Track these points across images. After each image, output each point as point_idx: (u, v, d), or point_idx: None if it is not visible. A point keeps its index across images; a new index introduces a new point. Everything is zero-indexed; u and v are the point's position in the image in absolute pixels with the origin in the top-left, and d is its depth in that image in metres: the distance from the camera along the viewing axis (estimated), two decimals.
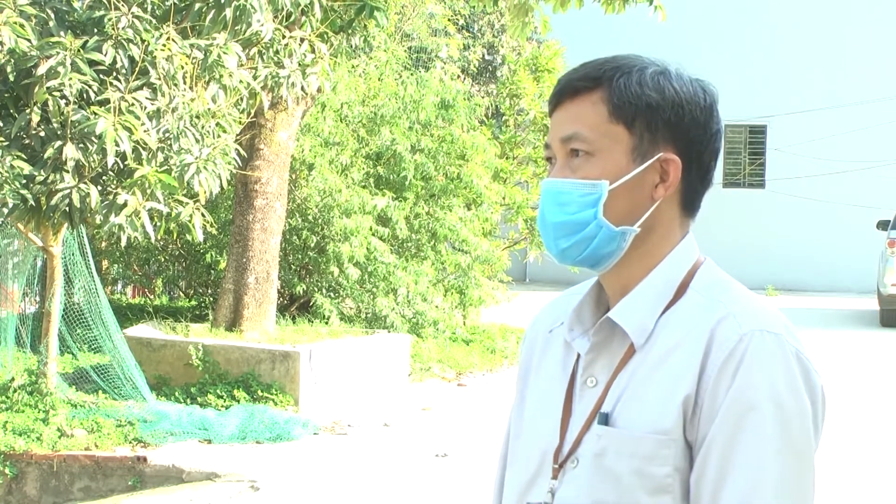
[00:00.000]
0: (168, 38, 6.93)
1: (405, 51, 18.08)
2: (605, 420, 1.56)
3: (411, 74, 14.30)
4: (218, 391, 8.63)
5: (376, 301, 11.84)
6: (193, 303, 13.52)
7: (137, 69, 6.85)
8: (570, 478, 1.58)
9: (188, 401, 8.55)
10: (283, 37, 7.97)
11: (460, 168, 13.07)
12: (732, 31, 23.84)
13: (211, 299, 12.50)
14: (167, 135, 7.00)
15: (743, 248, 23.21)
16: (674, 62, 1.64)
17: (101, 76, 6.77)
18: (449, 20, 22.07)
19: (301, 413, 8.62)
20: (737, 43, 23.76)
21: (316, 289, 11.90)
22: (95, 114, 6.55)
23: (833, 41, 23.30)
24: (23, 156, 6.74)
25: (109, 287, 13.96)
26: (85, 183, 6.79)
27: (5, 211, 7.06)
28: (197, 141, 7.06)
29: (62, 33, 6.87)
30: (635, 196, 1.58)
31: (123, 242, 7.19)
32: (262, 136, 9.88)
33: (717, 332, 1.53)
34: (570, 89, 1.61)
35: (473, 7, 18.75)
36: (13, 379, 8.30)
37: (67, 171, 6.76)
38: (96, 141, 6.59)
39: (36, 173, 6.76)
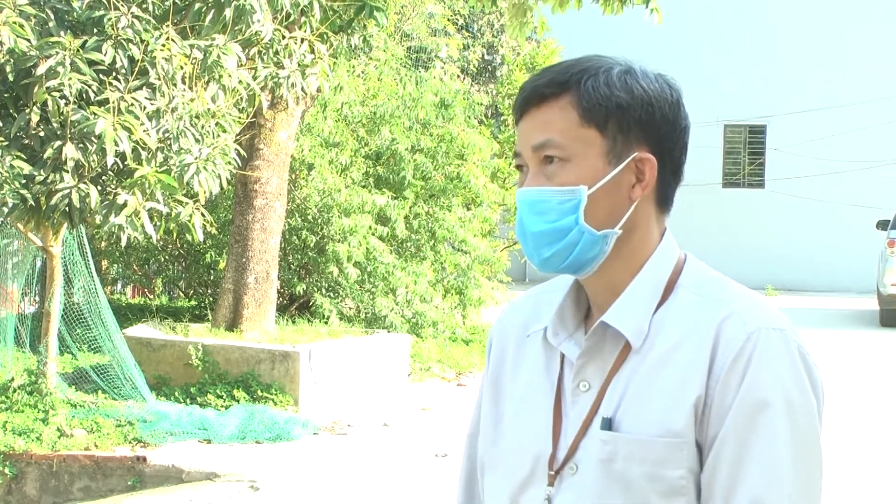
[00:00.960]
0: (168, 39, 6.92)
1: (405, 51, 18.08)
2: (609, 425, 1.54)
3: (408, 73, 14.31)
4: (218, 391, 8.63)
5: (376, 301, 11.84)
6: (193, 303, 13.52)
7: (137, 69, 6.85)
8: (568, 485, 1.57)
9: (188, 401, 8.55)
10: (283, 37, 7.97)
11: (459, 168, 13.07)
12: (732, 31, 23.84)
13: (211, 299, 12.49)
14: (167, 135, 7.00)
15: (743, 248, 23.22)
16: (637, 61, 1.62)
17: (100, 76, 6.76)
18: (448, 20, 22.07)
19: (301, 413, 8.62)
20: (737, 43, 23.75)
21: (315, 289, 11.90)
22: (95, 114, 6.55)
23: (833, 41, 23.30)
24: (22, 156, 6.74)
25: (109, 287, 13.96)
26: (85, 183, 6.79)
27: (5, 211, 7.06)
28: (197, 141, 7.06)
29: (62, 33, 6.87)
30: (614, 198, 1.57)
31: (123, 242, 7.19)
32: (261, 136, 9.88)
33: (722, 330, 1.52)
34: (536, 96, 1.58)
35: (473, 7, 18.74)
36: (13, 379, 8.30)
37: (67, 171, 6.76)
38: (96, 141, 6.59)
39: (36, 173, 6.76)
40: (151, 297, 14.83)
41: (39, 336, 8.42)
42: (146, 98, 6.84)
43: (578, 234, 1.56)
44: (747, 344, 1.51)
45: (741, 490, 1.48)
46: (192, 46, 7.08)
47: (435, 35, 21.76)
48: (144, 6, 7.23)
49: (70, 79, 6.56)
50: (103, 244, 12.41)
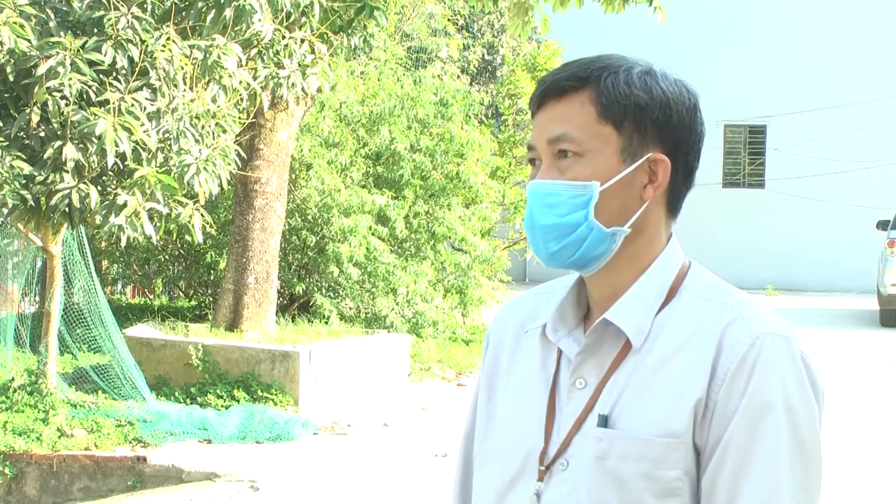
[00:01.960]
0: (168, 39, 6.92)
1: (405, 51, 18.09)
2: (605, 422, 1.54)
3: (406, 72, 14.32)
4: (218, 391, 8.63)
5: (376, 301, 11.84)
6: (193, 303, 13.53)
7: (137, 70, 6.85)
8: (558, 480, 1.57)
9: (188, 401, 8.55)
10: (283, 37, 7.97)
11: (458, 167, 13.07)
12: (732, 31, 23.84)
13: (211, 299, 12.50)
14: (167, 135, 7.00)
15: (743, 248, 23.23)
16: (657, 63, 1.63)
17: (100, 76, 6.76)
18: (449, 20, 22.08)
19: (301, 413, 8.62)
20: (737, 43, 23.75)
21: (316, 289, 11.91)
22: (95, 114, 6.55)
23: (833, 41, 23.30)
24: (23, 156, 6.74)
25: (109, 287, 13.97)
26: (85, 183, 6.79)
27: (5, 211, 7.06)
28: (197, 141, 7.07)
29: (62, 33, 6.86)
30: (625, 197, 1.57)
31: (123, 243, 7.19)
32: (261, 137, 9.88)
33: (727, 334, 1.52)
34: (555, 89, 1.58)
35: (473, 7, 18.75)
36: (13, 379, 8.30)
37: (67, 172, 6.76)
38: (96, 141, 6.58)
39: (36, 173, 6.76)
40: (151, 297, 14.83)
41: (39, 336, 8.42)
42: (146, 99, 6.84)
43: (587, 229, 1.56)
44: (752, 349, 1.51)
45: (744, 494, 1.48)
46: (192, 47, 7.08)
47: (435, 35, 21.76)
48: (144, 6, 7.23)
49: (70, 79, 6.56)
50: (103, 244, 12.42)
